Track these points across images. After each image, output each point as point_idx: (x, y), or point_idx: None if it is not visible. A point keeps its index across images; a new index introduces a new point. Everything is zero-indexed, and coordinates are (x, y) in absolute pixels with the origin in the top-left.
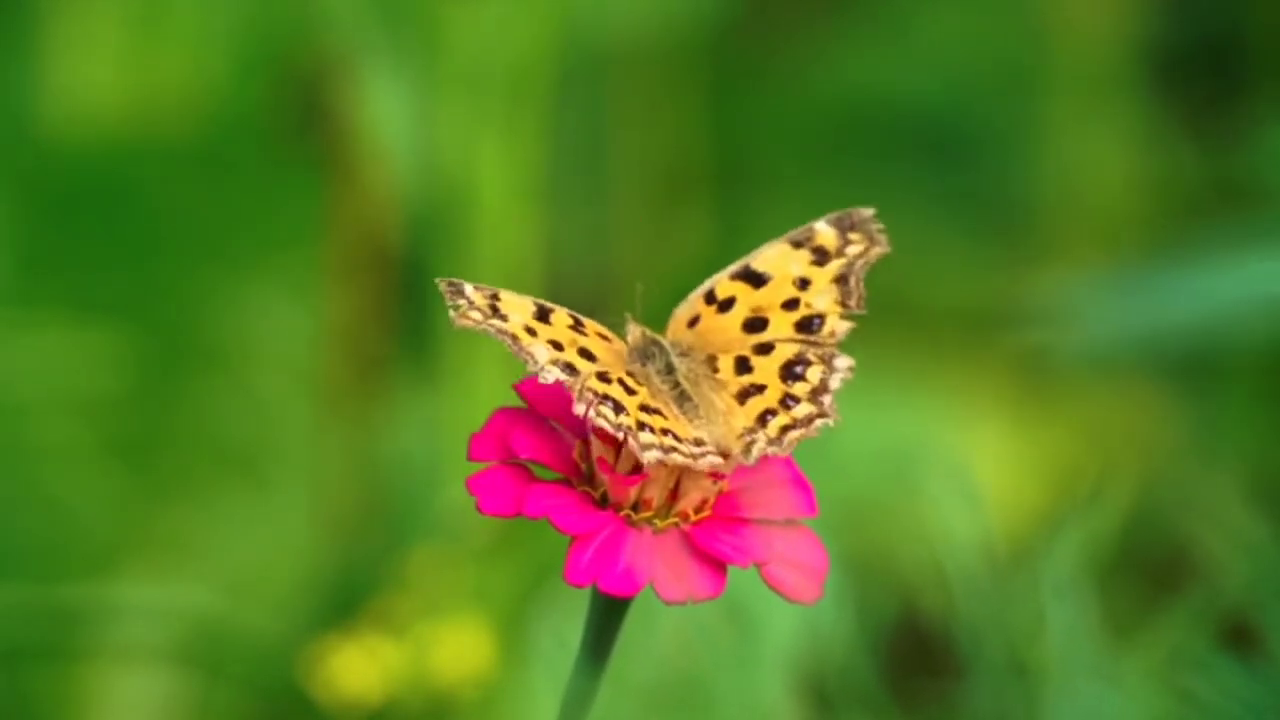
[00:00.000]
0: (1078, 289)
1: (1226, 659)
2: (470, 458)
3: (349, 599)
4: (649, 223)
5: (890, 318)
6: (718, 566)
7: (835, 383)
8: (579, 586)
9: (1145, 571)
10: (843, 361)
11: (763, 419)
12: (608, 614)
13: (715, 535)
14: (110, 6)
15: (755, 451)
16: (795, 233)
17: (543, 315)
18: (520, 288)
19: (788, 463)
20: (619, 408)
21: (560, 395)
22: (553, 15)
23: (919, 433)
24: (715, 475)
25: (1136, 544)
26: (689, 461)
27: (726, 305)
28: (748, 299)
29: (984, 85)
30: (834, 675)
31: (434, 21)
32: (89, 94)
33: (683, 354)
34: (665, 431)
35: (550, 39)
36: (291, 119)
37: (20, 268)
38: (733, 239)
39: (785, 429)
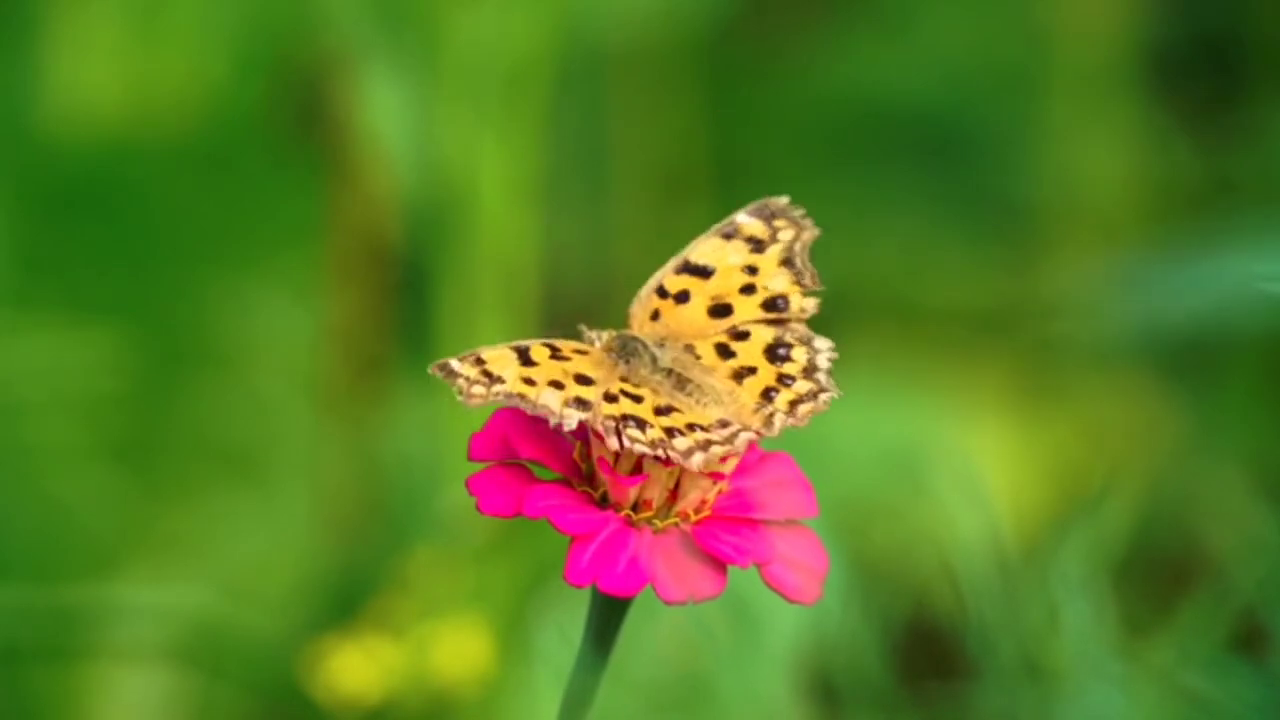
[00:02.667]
0: (1084, 283)
1: (1236, 660)
2: (470, 457)
3: (349, 599)
4: (649, 222)
5: (890, 318)
6: (718, 567)
7: (823, 362)
8: (579, 587)
9: (1150, 570)
10: (823, 343)
11: (766, 395)
12: (608, 614)
13: (715, 535)
14: (110, 6)
15: (777, 423)
16: (721, 226)
17: (525, 358)
18: (520, 287)
19: (788, 463)
20: (641, 423)
21: None
22: (552, 15)
23: (921, 432)
24: (715, 475)
25: (1141, 543)
26: (728, 449)
27: (682, 297)
28: (702, 289)
29: (984, 85)
30: (841, 674)
31: (433, 21)
32: (88, 93)
33: (659, 344)
34: (691, 426)
35: (550, 38)
36: (291, 119)
37: (19, 267)
38: None
39: (794, 403)
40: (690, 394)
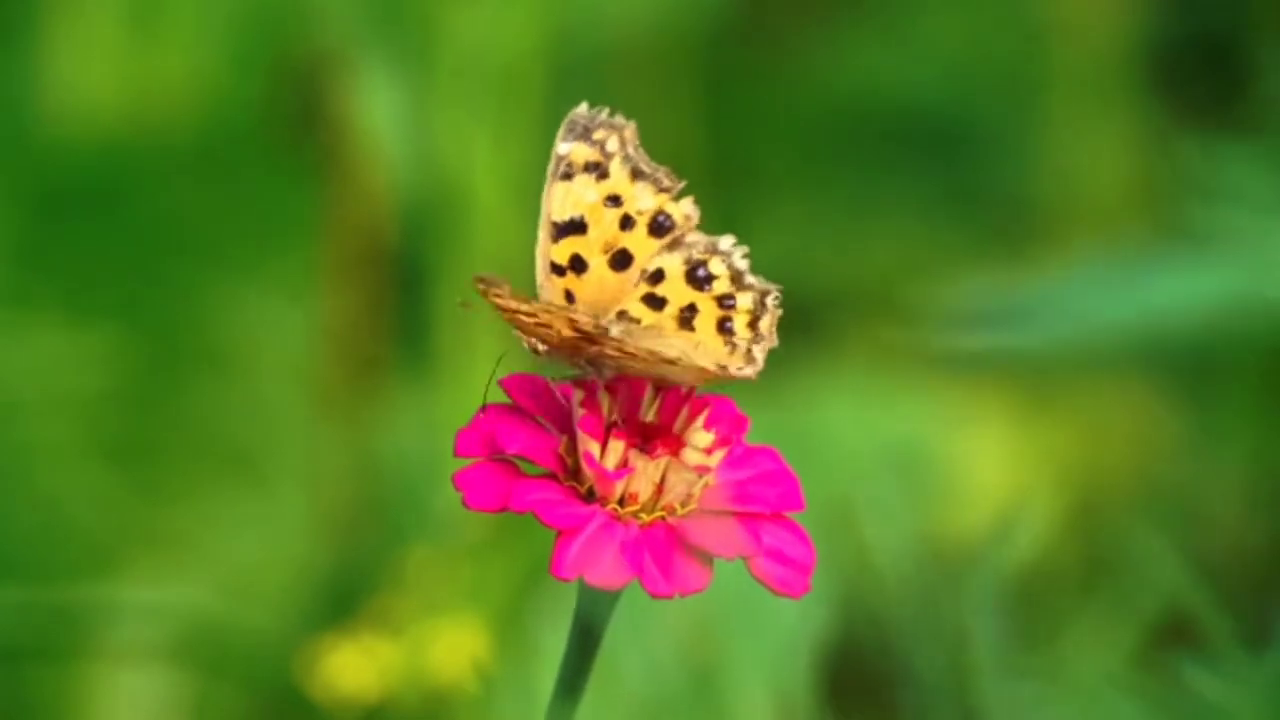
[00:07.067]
0: (1055, 288)
1: (1178, 659)
2: (456, 454)
3: (346, 598)
4: None
5: (890, 317)
6: (704, 560)
7: (740, 262)
8: (565, 580)
9: (1120, 574)
10: (725, 242)
11: (723, 328)
12: (595, 608)
13: (702, 528)
14: (107, 5)
15: (757, 354)
16: (552, 168)
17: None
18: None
19: (775, 456)
20: None
21: (545, 391)
22: (549, 13)
23: (918, 432)
24: (701, 469)
25: (1133, 544)
26: (747, 375)
27: (578, 265)
28: (588, 246)
29: (983, 84)
30: (802, 683)
31: (430, 19)
32: (85, 92)
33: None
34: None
35: (546, 37)
36: (288, 118)
37: (17, 267)
38: None
39: (751, 323)
40: None
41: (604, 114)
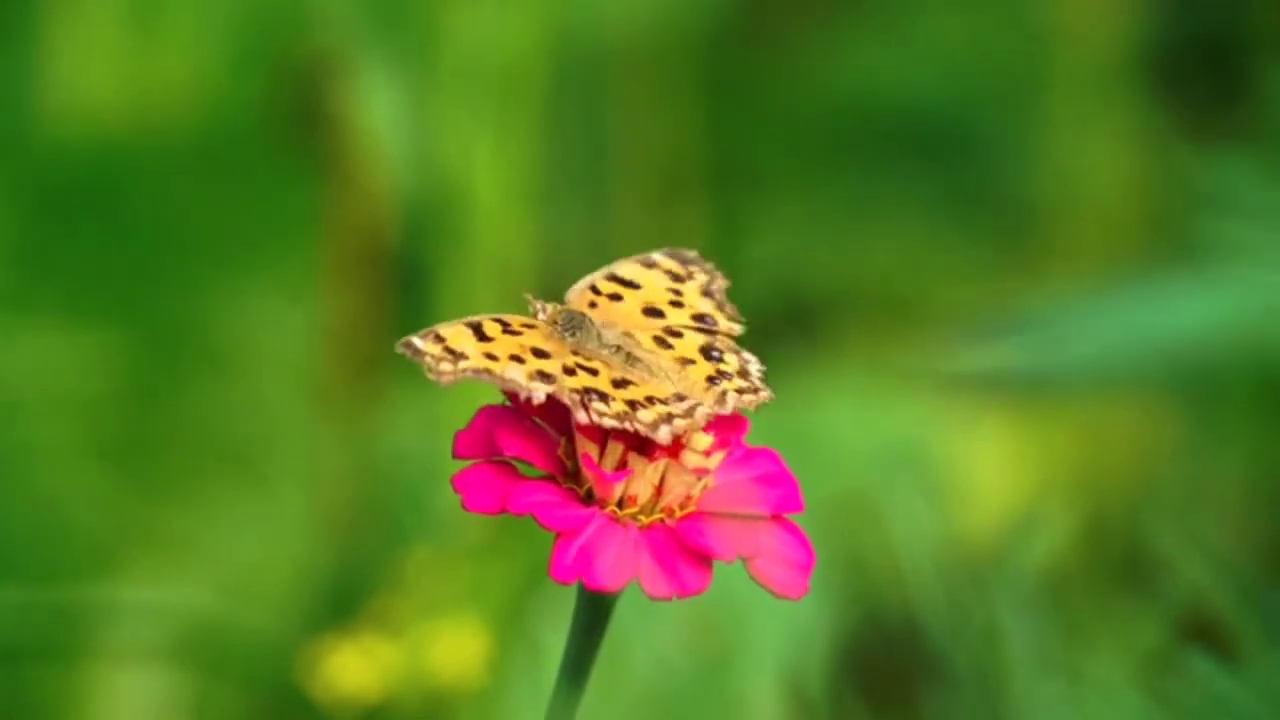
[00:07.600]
0: (1063, 310)
1: (1199, 659)
2: (455, 455)
3: (346, 598)
4: (647, 223)
5: (889, 317)
6: (704, 562)
7: (754, 369)
8: (564, 583)
9: (1136, 574)
10: (751, 355)
11: (710, 380)
12: (594, 610)
13: (701, 530)
14: (107, 5)
15: (730, 400)
16: (640, 256)
17: (480, 334)
18: (517, 287)
19: (774, 458)
20: (604, 396)
21: None
22: (550, 14)
23: (918, 434)
24: (700, 471)
25: (1130, 547)
26: (689, 422)
27: (615, 298)
28: (634, 296)
29: (983, 85)
30: (814, 678)
31: (431, 20)
32: (85, 92)
33: (603, 324)
34: (650, 399)
35: (547, 38)
36: (288, 118)
37: (16, 267)
38: (731, 239)
39: (741, 391)
40: (640, 370)
41: (710, 263)
